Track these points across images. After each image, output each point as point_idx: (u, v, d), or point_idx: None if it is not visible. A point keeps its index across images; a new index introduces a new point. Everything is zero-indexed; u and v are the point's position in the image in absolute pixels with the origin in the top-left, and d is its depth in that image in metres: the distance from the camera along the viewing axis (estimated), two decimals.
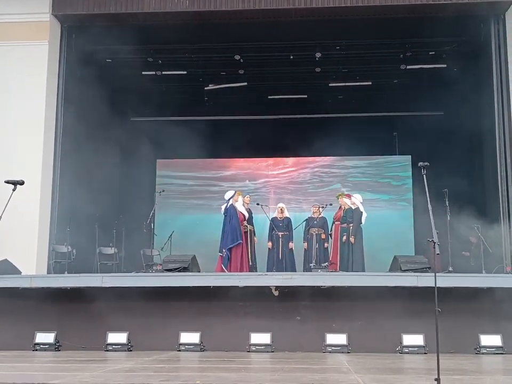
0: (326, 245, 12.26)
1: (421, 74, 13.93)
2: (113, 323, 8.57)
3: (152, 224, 11.87)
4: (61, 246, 11.15)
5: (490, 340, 8.12)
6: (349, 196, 12.25)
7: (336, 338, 8.22)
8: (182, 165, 16.63)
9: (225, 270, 11.04)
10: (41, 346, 8.47)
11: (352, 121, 15.02)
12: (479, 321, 8.18)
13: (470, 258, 11.48)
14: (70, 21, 11.83)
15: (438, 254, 5.11)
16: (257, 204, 12.21)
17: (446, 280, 8.04)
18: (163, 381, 5.17)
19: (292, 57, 13.40)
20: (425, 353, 7.92)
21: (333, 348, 8.14)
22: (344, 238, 11.72)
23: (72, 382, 5.14)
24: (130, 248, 12.78)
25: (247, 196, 12.36)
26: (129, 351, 8.33)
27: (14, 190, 6.77)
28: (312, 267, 10.76)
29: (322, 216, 12.42)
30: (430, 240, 5.18)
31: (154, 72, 14.06)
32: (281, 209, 12.56)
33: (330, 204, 12.42)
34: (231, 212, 11.53)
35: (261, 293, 8.51)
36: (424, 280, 8.05)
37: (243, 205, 11.99)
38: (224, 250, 11.35)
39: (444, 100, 13.78)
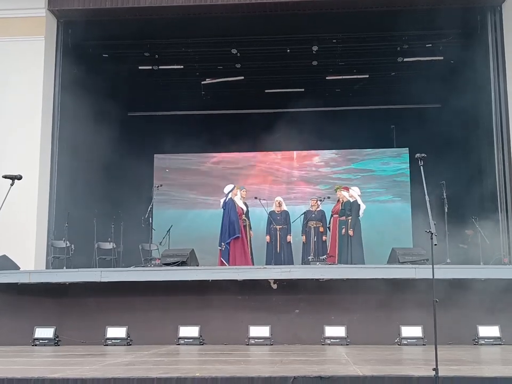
0: (324, 238, 12.30)
1: (418, 67, 13.93)
2: (112, 318, 8.58)
3: (150, 219, 11.88)
4: (59, 241, 11.15)
5: (488, 331, 8.14)
6: (347, 189, 12.27)
7: (335, 331, 8.23)
8: (180, 160, 16.64)
9: (226, 264, 11.06)
10: (40, 341, 8.46)
11: (349, 114, 15.04)
12: (477, 313, 8.19)
13: (467, 250, 11.51)
14: (66, 16, 11.79)
15: (435, 244, 5.13)
16: (255, 198, 12.24)
17: (444, 272, 8.05)
18: (162, 373, 5.19)
19: (288, 50, 13.39)
20: (423, 344, 7.93)
21: (331, 340, 8.16)
22: (343, 231, 11.75)
23: (72, 375, 5.15)
24: (128, 243, 12.79)
25: (243, 190, 12.37)
26: (128, 345, 8.33)
27: (12, 185, 6.77)
28: (310, 260, 10.78)
29: (320, 209, 12.46)
30: (428, 231, 5.20)
31: (151, 67, 14.05)
32: (279, 202, 12.59)
33: (328, 197, 12.46)
34: (230, 205, 11.54)
35: (260, 286, 8.52)
36: (422, 272, 8.06)
37: (240, 198, 12.01)
38: (223, 244, 11.38)
39: (441, 92, 13.79)
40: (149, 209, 11.77)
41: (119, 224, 12.66)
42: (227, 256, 11.35)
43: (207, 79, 14.99)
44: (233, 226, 11.40)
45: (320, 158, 16.44)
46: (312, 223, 12.27)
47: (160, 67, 14.12)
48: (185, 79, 14.99)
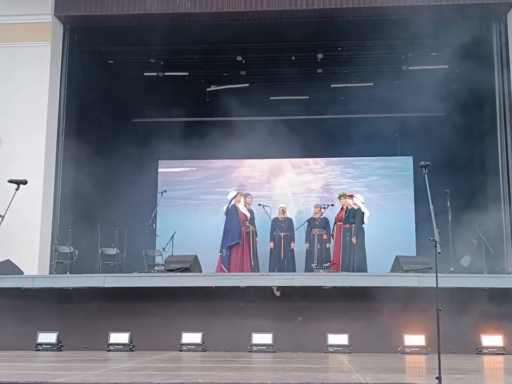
0: (328, 245, 12.29)
1: (423, 75, 13.92)
2: (115, 323, 8.59)
3: (154, 225, 11.91)
4: (63, 246, 11.16)
5: (492, 340, 8.12)
6: (351, 196, 12.27)
7: (338, 339, 8.22)
8: (184, 166, 16.66)
9: (225, 270, 11.07)
10: (43, 346, 8.48)
11: (353, 122, 15.02)
12: (481, 322, 8.17)
13: (471, 261, 11.48)
14: (72, 22, 11.85)
15: (439, 253, 5.13)
16: (259, 205, 12.25)
17: (448, 281, 8.04)
18: (165, 379, 5.18)
19: (293, 58, 13.42)
20: (426, 353, 7.92)
21: (334, 348, 8.15)
22: (347, 238, 11.74)
23: (75, 380, 5.15)
24: (132, 248, 12.81)
25: (248, 197, 12.39)
26: (131, 351, 8.34)
27: (17, 189, 6.78)
28: (314, 267, 10.78)
29: (324, 217, 12.47)
30: (432, 239, 5.20)
31: (156, 73, 14.10)
32: (282, 209, 12.61)
33: (332, 205, 12.48)
34: (232, 212, 11.58)
35: (263, 293, 8.52)
36: (426, 281, 8.06)
37: (245, 205, 12.02)
38: (224, 250, 11.39)
39: (446, 100, 13.79)
40: (152, 215, 11.79)
41: (123, 230, 12.68)
42: (227, 263, 11.36)
43: (212, 86, 15.03)
44: (234, 233, 11.42)
45: (324, 166, 16.41)
46: (315, 231, 12.28)
47: (165, 74, 14.17)
48: (190, 85, 15.03)
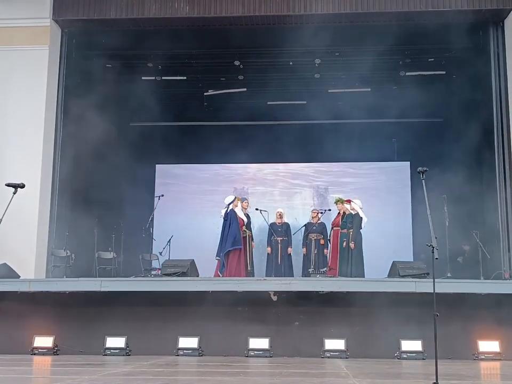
0: (326, 251, 12.27)
1: (420, 81, 13.96)
2: (111, 327, 8.56)
3: (151, 229, 11.88)
4: (60, 250, 11.16)
5: (489, 346, 8.12)
6: (348, 201, 12.26)
7: (335, 344, 8.21)
8: (181, 170, 16.66)
9: (220, 275, 11.06)
10: (39, 350, 8.44)
11: (350, 127, 15.04)
12: (478, 328, 8.17)
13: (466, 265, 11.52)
14: (70, 26, 11.87)
15: (436, 258, 5.14)
16: (256, 209, 12.24)
17: (444, 286, 8.04)
18: None
19: (291, 63, 13.44)
20: (423, 359, 7.91)
21: (331, 353, 8.13)
22: (344, 243, 11.73)
23: None
24: (129, 252, 12.79)
25: (245, 201, 12.37)
26: (127, 355, 8.31)
27: (14, 193, 6.78)
28: (310, 272, 10.77)
29: (321, 222, 12.45)
30: (429, 245, 5.21)
31: (154, 77, 14.11)
32: (279, 214, 12.60)
33: (329, 209, 12.46)
34: (231, 216, 11.55)
35: (260, 298, 8.51)
36: (423, 286, 8.06)
37: (241, 210, 12.01)
38: (218, 258, 11.38)
39: (443, 106, 13.83)
40: (149, 219, 11.77)
41: (119, 233, 12.66)
42: (224, 268, 11.34)
43: (209, 90, 15.05)
44: (235, 237, 11.39)
45: (322, 171, 16.43)
46: (313, 236, 12.26)
47: (163, 78, 14.18)
48: (188, 90, 15.04)
